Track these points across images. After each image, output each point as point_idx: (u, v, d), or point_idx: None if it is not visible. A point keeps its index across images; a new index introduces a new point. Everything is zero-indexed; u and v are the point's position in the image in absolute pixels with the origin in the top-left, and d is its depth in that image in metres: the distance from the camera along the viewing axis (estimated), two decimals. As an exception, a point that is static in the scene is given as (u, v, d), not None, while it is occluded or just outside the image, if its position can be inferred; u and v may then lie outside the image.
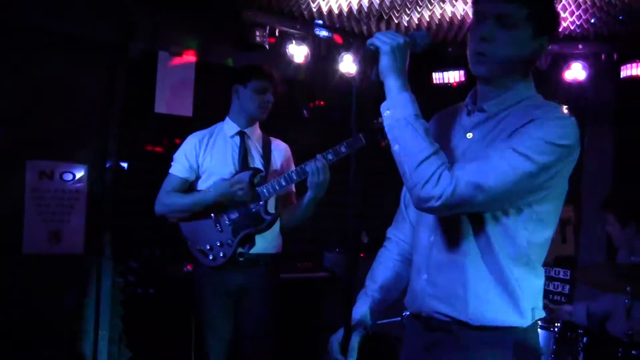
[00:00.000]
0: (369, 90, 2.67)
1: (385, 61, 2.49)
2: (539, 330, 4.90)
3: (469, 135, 2.61)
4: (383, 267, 2.99)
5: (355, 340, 2.78)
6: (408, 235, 2.95)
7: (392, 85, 2.48)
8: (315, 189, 4.48)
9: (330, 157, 4.40)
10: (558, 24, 2.69)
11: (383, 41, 2.49)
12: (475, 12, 2.57)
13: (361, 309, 2.86)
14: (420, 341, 2.66)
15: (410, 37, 2.56)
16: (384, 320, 3.17)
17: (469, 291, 2.50)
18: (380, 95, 2.52)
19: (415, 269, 2.74)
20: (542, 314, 2.60)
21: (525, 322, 2.50)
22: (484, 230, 2.49)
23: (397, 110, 2.46)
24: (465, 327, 2.51)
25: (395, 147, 2.44)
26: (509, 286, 2.48)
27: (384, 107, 2.49)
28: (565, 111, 2.50)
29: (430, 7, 6.13)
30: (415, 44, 2.57)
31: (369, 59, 2.55)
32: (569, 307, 5.46)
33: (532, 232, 2.49)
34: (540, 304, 2.60)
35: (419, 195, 2.37)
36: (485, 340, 2.49)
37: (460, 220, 2.53)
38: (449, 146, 2.63)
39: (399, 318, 4.60)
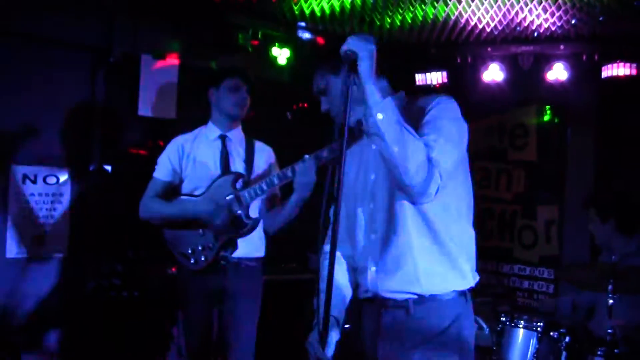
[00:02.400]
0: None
1: (365, 66, 2.57)
2: (520, 328, 4.96)
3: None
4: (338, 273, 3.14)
5: (332, 336, 2.85)
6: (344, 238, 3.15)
7: (373, 89, 2.57)
8: (301, 190, 4.47)
9: (325, 154, 4.33)
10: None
11: (360, 47, 2.57)
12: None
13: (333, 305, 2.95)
14: (376, 322, 2.95)
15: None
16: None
17: (417, 267, 2.81)
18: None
19: (360, 268, 3.03)
20: (477, 277, 2.96)
21: (467, 284, 2.89)
22: (420, 212, 2.80)
23: (389, 114, 2.55)
24: (420, 301, 2.82)
25: (394, 149, 2.54)
26: (451, 253, 2.83)
27: (374, 110, 2.56)
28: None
29: (412, 9, 6.14)
30: None
31: (348, 66, 2.59)
32: (553, 300, 5.50)
33: (455, 193, 2.83)
34: (475, 265, 2.96)
35: (424, 192, 2.62)
36: (433, 310, 2.82)
37: (398, 210, 2.83)
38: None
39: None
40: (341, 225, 3.03)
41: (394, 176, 2.65)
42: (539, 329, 4.92)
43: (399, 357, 2.85)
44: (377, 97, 2.56)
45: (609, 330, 4.52)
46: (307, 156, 4.38)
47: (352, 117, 2.81)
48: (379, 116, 2.54)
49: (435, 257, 2.82)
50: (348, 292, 3.17)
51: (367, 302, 3.02)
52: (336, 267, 3.06)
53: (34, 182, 5.76)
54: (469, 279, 2.90)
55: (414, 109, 2.83)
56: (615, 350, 4.48)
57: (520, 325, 4.98)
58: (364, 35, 2.64)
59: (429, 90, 7.12)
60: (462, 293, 2.88)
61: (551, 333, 4.88)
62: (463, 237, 2.91)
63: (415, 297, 2.82)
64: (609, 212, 5.23)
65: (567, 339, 4.78)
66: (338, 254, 3.09)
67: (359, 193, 3.02)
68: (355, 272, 3.11)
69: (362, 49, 2.57)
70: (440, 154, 2.63)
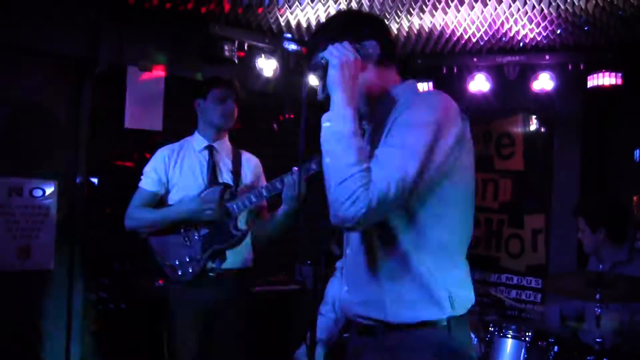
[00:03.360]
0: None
1: (332, 75, 2.49)
2: (509, 338, 4.95)
3: None
4: (333, 289, 3.12)
5: (320, 353, 2.82)
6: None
7: (338, 99, 2.47)
8: (289, 203, 4.47)
9: (313, 167, 4.30)
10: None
11: (334, 55, 2.50)
12: None
13: (320, 328, 2.96)
14: (351, 346, 2.79)
15: (363, 47, 2.60)
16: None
17: (384, 292, 2.56)
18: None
19: (341, 281, 2.90)
20: (467, 303, 2.62)
21: (444, 314, 2.52)
22: (390, 232, 2.53)
23: (336, 124, 2.43)
24: (388, 329, 2.57)
25: (327, 160, 2.42)
26: (423, 280, 2.51)
27: (324, 118, 2.47)
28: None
29: (398, 20, 6.15)
30: (369, 55, 2.61)
31: (318, 71, 2.58)
32: (542, 308, 5.50)
33: (437, 221, 2.53)
34: (462, 292, 2.61)
35: (336, 214, 2.36)
36: (405, 340, 2.54)
37: (374, 230, 2.57)
38: None
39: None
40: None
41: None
42: (527, 338, 4.92)
43: None
44: (337, 107, 2.46)
45: (597, 339, 4.52)
46: (295, 169, 4.38)
47: None
48: (326, 124, 2.45)
49: (404, 284, 2.53)
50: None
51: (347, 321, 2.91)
52: (333, 285, 3.12)
53: (20, 194, 5.72)
54: (447, 308, 2.53)
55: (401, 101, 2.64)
56: (604, 359, 4.49)
57: (509, 335, 4.98)
58: (345, 45, 2.54)
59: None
60: (439, 323, 2.53)
61: (540, 342, 4.88)
62: (444, 269, 2.56)
63: (381, 324, 2.59)
64: (599, 221, 5.23)
65: (555, 348, 4.78)
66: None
67: None
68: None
69: (334, 57, 2.50)
70: (378, 178, 2.32)
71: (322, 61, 2.53)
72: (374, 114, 2.70)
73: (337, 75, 2.48)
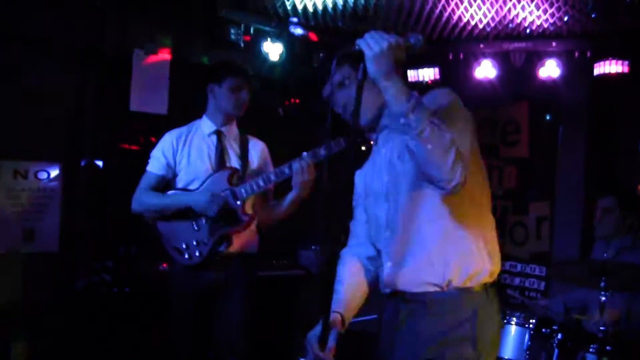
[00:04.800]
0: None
1: (370, 68, 2.53)
2: (512, 325, 4.96)
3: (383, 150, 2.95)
4: (348, 271, 3.17)
5: (332, 336, 2.83)
6: (355, 247, 3.21)
7: (392, 90, 2.54)
8: (300, 188, 4.48)
9: (322, 153, 4.33)
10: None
11: (368, 46, 2.51)
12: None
13: (336, 301, 2.98)
14: (395, 316, 2.92)
15: (405, 38, 2.59)
16: (360, 318, 3.24)
17: (433, 259, 2.78)
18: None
19: (380, 266, 3.01)
20: (499, 265, 2.92)
21: (488, 272, 2.84)
22: (437, 204, 2.76)
23: (420, 112, 2.51)
24: (436, 294, 2.78)
25: (429, 147, 2.51)
26: (469, 245, 2.80)
27: (404, 110, 2.52)
28: None
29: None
30: (410, 46, 2.61)
31: (355, 56, 2.59)
32: (545, 300, 5.50)
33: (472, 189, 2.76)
34: (496, 252, 2.92)
35: (457, 182, 2.56)
36: (452, 305, 2.77)
37: (412, 205, 2.80)
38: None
39: (376, 316, 4.62)
40: (362, 229, 3.16)
41: (426, 172, 2.61)
42: (531, 325, 4.92)
43: (414, 350, 2.81)
44: (403, 96, 2.52)
45: (601, 327, 4.51)
46: (305, 154, 4.38)
47: (363, 118, 2.87)
48: (410, 116, 2.50)
49: (452, 247, 2.76)
50: (357, 291, 3.15)
51: (388, 297, 3.00)
52: (344, 267, 3.15)
53: (25, 177, 5.74)
54: (487, 266, 2.83)
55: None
56: (607, 347, 4.49)
57: (513, 322, 4.98)
58: (381, 34, 2.55)
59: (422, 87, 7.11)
60: (482, 286, 2.82)
61: (543, 330, 4.89)
62: (480, 224, 2.86)
63: (433, 289, 2.77)
64: (633, 203, 5.23)
65: (559, 335, 4.78)
66: (349, 256, 3.19)
67: (376, 195, 3.00)
68: (378, 271, 3.09)
69: (369, 49, 2.51)
70: (457, 142, 2.56)
71: (357, 48, 2.54)
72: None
73: (374, 67, 2.53)
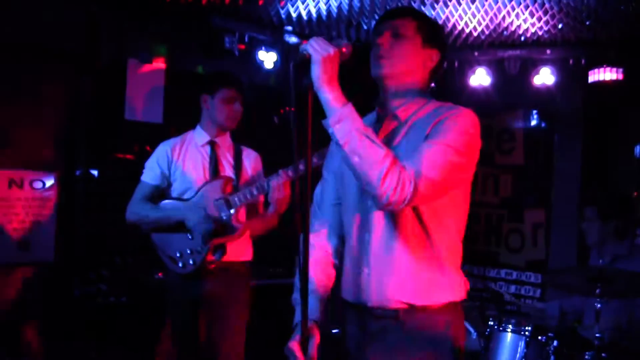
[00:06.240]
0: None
1: (316, 71, 2.48)
2: (508, 332, 4.96)
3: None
4: (320, 271, 3.07)
5: (311, 344, 2.81)
6: (323, 235, 3.11)
7: (330, 97, 2.50)
8: (275, 204, 4.51)
9: (302, 168, 4.25)
10: (443, 40, 3.03)
11: (315, 49, 2.48)
12: (374, 30, 2.87)
13: (311, 309, 2.88)
14: (363, 330, 2.86)
15: (337, 45, 2.55)
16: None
17: (411, 277, 2.74)
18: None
19: (352, 264, 2.91)
20: (467, 287, 2.91)
21: (460, 295, 2.83)
22: (418, 220, 2.73)
23: (347, 123, 2.48)
24: (410, 311, 2.74)
25: (355, 159, 2.47)
26: (444, 266, 2.77)
27: (331, 121, 2.49)
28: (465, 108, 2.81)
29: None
30: (341, 53, 2.57)
31: (300, 65, 2.52)
32: (541, 304, 5.49)
33: (455, 211, 2.82)
34: (462, 278, 2.91)
35: (390, 201, 2.47)
36: (426, 322, 2.75)
37: (395, 216, 2.74)
38: None
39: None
40: (330, 196, 3.09)
41: (360, 183, 2.58)
42: (527, 333, 4.92)
43: None
44: (336, 106, 2.48)
45: (596, 335, 4.51)
46: (280, 171, 4.40)
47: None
48: (337, 127, 2.48)
49: (429, 267, 2.73)
50: (326, 291, 3.05)
51: (351, 306, 2.93)
52: (316, 266, 3.05)
53: (20, 186, 5.72)
54: (460, 290, 2.83)
55: (430, 109, 2.79)
56: (603, 355, 4.48)
57: (509, 330, 4.97)
58: (324, 40, 2.52)
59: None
60: (453, 304, 2.80)
61: (539, 337, 4.88)
62: (455, 250, 2.85)
63: (407, 306, 2.73)
64: (611, 212, 5.22)
65: (555, 343, 4.78)
66: (319, 251, 3.09)
67: (355, 190, 2.89)
68: (340, 270, 3.04)
69: (316, 52, 2.48)
70: (427, 165, 2.52)
71: (305, 53, 2.50)
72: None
73: (320, 71, 2.48)
